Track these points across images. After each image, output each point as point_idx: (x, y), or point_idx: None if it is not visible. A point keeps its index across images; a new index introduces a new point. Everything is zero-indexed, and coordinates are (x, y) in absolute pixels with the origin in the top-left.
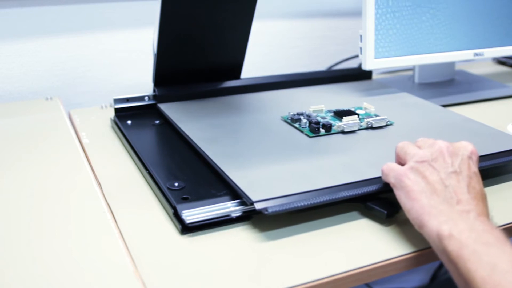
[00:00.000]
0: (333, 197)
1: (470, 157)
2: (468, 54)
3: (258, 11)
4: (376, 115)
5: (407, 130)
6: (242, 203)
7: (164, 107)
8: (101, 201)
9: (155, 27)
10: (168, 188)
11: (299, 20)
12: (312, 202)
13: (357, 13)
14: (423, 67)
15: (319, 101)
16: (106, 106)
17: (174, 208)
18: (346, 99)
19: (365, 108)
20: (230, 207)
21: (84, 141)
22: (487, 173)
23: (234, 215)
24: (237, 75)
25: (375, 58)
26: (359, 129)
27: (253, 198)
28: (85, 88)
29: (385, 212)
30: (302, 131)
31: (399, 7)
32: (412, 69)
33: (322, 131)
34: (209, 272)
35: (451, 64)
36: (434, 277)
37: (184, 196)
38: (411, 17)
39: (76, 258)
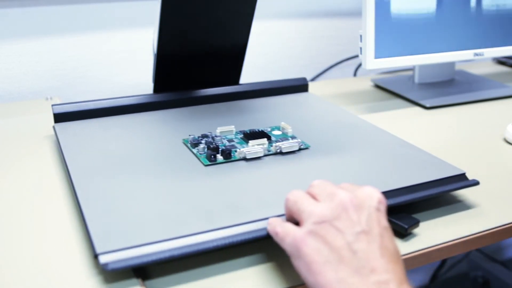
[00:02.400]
0: (196, 249)
1: (378, 209)
2: (468, 54)
3: (258, 11)
4: (293, 137)
5: (323, 156)
6: None
7: (60, 128)
8: None
9: (155, 27)
10: None
11: (299, 20)
12: (168, 255)
13: (357, 13)
14: (423, 67)
15: (234, 119)
16: None
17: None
18: (269, 116)
19: (283, 129)
20: None
21: None
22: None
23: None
24: (237, 74)
25: (375, 58)
26: (265, 155)
27: (100, 249)
28: (85, 88)
29: (406, 226)
30: (199, 158)
31: (399, 7)
32: (412, 69)
33: (220, 158)
34: None
35: (451, 64)
36: (434, 277)
37: None
38: (411, 17)
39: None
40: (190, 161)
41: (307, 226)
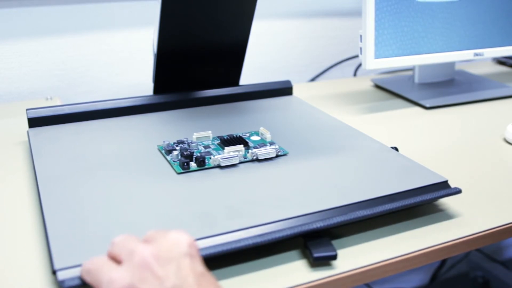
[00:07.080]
0: None
1: (189, 255)
2: (468, 54)
3: (258, 11)
4: (272, 143)
5: (301, 164)
6: None
7: (34, 133)
8: None
9: (155, 27)
10: None
11: (299, 20)
12: None
13: (357, 13)
14: (423, 67)
15: (213, 124)
16: None
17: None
18: (250, 120)
19: (262, 134)
20: None
21: None
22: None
23: None
24: (237, 74)
25: (375, 58)
26: (241, 162)
27: (58, 265)
28: (85, 88)
29: (315, 256)
30: (172, 166)
31: (399, 7)
32: (412, 69)
33: (194, 166)
34: None
35: (451, 64)
36: (434, 277)
37: None
38: (411, 17)
39: None
40: (164, 168)
41: None
